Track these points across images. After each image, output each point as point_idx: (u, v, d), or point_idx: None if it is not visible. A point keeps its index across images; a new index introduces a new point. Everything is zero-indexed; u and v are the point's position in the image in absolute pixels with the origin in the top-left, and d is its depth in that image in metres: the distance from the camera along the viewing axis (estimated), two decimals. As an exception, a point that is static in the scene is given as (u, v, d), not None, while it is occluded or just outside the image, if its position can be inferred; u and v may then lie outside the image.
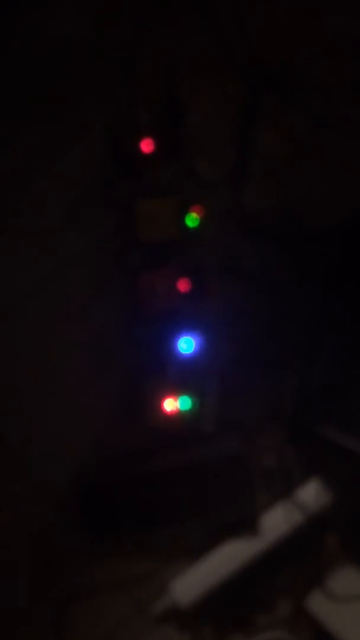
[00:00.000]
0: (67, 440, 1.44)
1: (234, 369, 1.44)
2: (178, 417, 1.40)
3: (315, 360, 1.43)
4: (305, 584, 1.43)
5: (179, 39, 1.42)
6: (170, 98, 1.41)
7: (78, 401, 1.44)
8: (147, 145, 1.38)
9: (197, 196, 1.40)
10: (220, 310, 1.42)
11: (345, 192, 1.48)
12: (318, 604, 1.41)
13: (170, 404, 1.39)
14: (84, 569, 1.45)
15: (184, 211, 1.39)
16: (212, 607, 1.42)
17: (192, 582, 1.41)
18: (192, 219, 1.39)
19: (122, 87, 1.41)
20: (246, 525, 1.41)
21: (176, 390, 1.39)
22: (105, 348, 1.44)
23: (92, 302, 1.44)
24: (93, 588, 1.45)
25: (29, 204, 1.41)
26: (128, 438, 1.45)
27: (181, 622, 1.43)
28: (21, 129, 1.40)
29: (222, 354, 1.42)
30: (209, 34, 1.43)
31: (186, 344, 1.39)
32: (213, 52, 1.43)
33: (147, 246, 1.39)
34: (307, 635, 1.42)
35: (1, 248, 1.41)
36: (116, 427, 1.45)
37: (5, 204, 1.41)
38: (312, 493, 1.44)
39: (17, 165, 1.41)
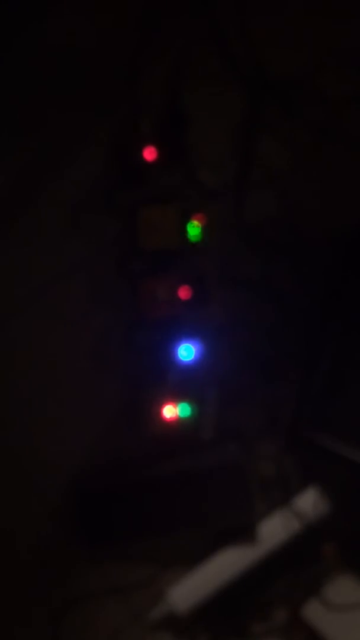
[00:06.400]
0: (66, 447, 1.44)
1: (233, 377, 1.45)
2: (177, 424, 1.40)
3: (315, 370, 1.44)
4: (302, 592, 1.43)
5: (182, 48, 1.43)
6: (173, 107, 1.42)
7: (78, 408, 1.44)
8: (149, 154, 1.38)
9: (199, 204, 1.41)
10: (220, 318, 1.43)
11: (345, 202, 1.49)
12: (314, 613, 1.41)
13: (170, 411, 1.40)
14: (81, 576, 1.45)
15: (186, 219, 1.39)
16: (209, 615, 1.41)
17: (189, 589, 1.41)
18: (193, 227, 1.40)
19: (125, 96, 1.41)
20: (244, 533, 1.41)
21: (176, 397, 1.40)
22: (106, 354, 1.44)
23: (93, 309, 1.44)
24: (90, 594, 1.45)
25: (32, 210, 1.41)
26: (127, 444, 1.45)
27: (177, 628, 1.43)
28: (24, 137, 1.41)
29: (221, 361, 1.42)
30: (212, 44, 1.43)
31: (186, 352, 1.40)
32: (216, 62, 1.44)
33: (149, 253, 1.39)
34: (303, 643, 1.42)
35: (4, 253, 1.41)
36: (115, 434, 1.45)
37: (8, 210, 1.41)
38: (310, 502, 1.44)
39: (21, 172, 1.41)
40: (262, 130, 1.46)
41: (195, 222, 1.40)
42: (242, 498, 1.40)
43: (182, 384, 1.40)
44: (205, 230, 1.40)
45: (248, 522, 1.41)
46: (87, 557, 1.45)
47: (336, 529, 1.43)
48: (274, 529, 1.42)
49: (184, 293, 1.39)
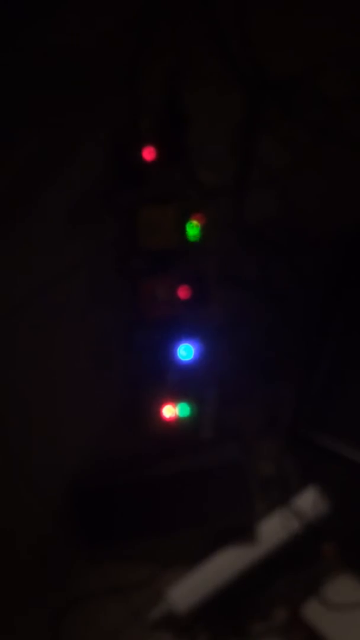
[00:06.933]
0: (66, 447, 1.44)
1: (233, 376, 1.45)
2: (177, 424, 1.40)
3: (314, 369, 1.43)
4: (301, 592, 1.43)
5: (182, 48, 1.43)
6: (173, 106, 1.42)
7: (77, 407, 1.44)
8: (149, 153, 1.38)
9: (198, 204, 1.41)
10: (219, 318, 1.43)
11: (345, 201, 1.49)
12: (314, 612, 1.41)
13: (169, 411, 1.39)
14: (81, 576, 1.45)
15: (185, 219, 1.39)
16: (209, 614, 1.41)
17: (188, 589, 1.41)
18: (193, 227, 1.40)
19: (125, 96, 1.41)
20: (244, 532, 1.41)
21: (175, 397, 1.40)
22: (105, 354, 1.44)
23: (92, 309, 1.44)
24: (90, 594, 1.45)
25: (31, 210, 1.41)
26: (127, 444, 1.45)
27: (177, 628, 1.43)
28: (24, 137, 1.41)
29: (221, 361, 1.42)
30: (212, 44, 1.43)
31: (186, 351, 1.40)
32: (215, 62, 1.44)
33: (148, 253, 1.40)
34: (303, 643, 1.42)
35: (3, 253, 1.41)
36: (115, 434, 1.45)
37: (7, 211, 1.41)
38: (309, 501, 1.44)
39: (20, 172, 1.41)
40: (262, 130, 1.46)
41: (195, 222, 1.40)
42: (241, 498, 1.40)
43: (182, 383, 1.40)
44: (204, 230, 1.40)
45: (248, 522, 1.41)
46: (86, 557, 1.45)
47: (336, 529, 1.43)
48: (274, 529, 1.42)
49: (183, 293, 1.39)
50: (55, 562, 1.45)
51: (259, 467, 1.46)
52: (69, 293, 1.44)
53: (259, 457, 1.47)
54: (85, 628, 1.45)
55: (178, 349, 1.39)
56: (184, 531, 1.40)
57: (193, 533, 1.41)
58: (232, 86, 1.45)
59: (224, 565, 1.41)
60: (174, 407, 1.39)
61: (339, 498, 1.44)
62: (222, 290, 1.44)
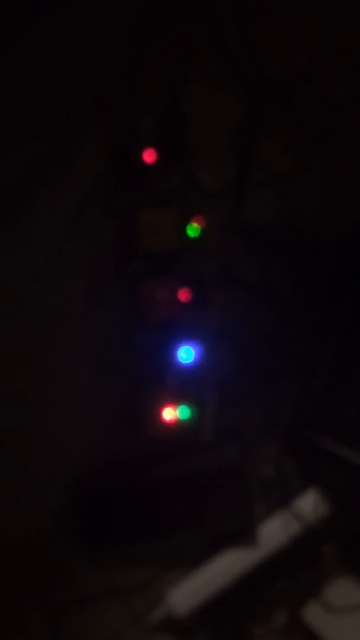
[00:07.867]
0: (66, 447, 1.44)
1: (233, 379, 1.45)
2: (177, 427, 1.40)
3: (315, 371, 1.43)
4: (302, 595, 1.43)
5: (183, 50, 1.42)
6: (173, 109, 1.41)
7: (78, 410, 1.44)
8: (149, 156, 1.38)
9: (198, 206, 1.41)
10: (220, 320, 1.42)
11: (345, 203, 1.49)
12: (314, 615, 1.41)
13: (170, 413, 1.39)
14: (81, 578, 1.45)
15: (186, 221, 1.39)
16: (209, 617, 1.42)
17: (188, 592, 1.41)
18: (193, 229, 1.40)
19: (125, 98, 1.41)
20: (244, 535, 1.41)
21: (175, 399, 1.40)
22: (106, 357, 1.44)
23: (92, 310, 1.44)
24: (90, 597, 1.45)
25: (32, 212, 1.41)
26: (127, 447, 1.45)
27: (177, 631, 1.43)
28: (24, 139, 1.41)
29: (221, 363, 1.42)
30: (213, 46, 1.43)
31: (186, 354, 1.40)
32: (216, 64, 1.44)
33: (149, 256, 1.39)
34: (303, 645, 1.42)
35: (3, 254, 1.41)
36: (115, 435, 1.45)
37: (7, 212, 1.41)
38: (310, 504, 1.44)
39: (20, 174, 1.41)
40: (262, 131, 1.46)
41: (195, 224, 1.40)
42: (242, 500, 1.40)
43: (182, 386, 1.40)
44: (205, 232, 1.40)
45: (248, 524, 1.41)
46: (86, 559, 1.45)
47: (336, 531, 1.43)
48: (274, 531, 1.42)
49: (183, 295, 1.39)
50: (55, 563, 1.45)
51: (259, 469, 1.46)
52: (69, 294, 1.44)
53: (259, 459, 1.47)
54: (85, 630, 1.45)
55: (178, 352, 1.39)
56: (184, 533, 1.41)
57: (193, 535, 1.41)
58: (232, 87, 1.45)
59: (224, 567, 1.41)
60: (175, 409, 1.39)
61: (339, 500, 1.43)
62: (222, 291, 1.43)
